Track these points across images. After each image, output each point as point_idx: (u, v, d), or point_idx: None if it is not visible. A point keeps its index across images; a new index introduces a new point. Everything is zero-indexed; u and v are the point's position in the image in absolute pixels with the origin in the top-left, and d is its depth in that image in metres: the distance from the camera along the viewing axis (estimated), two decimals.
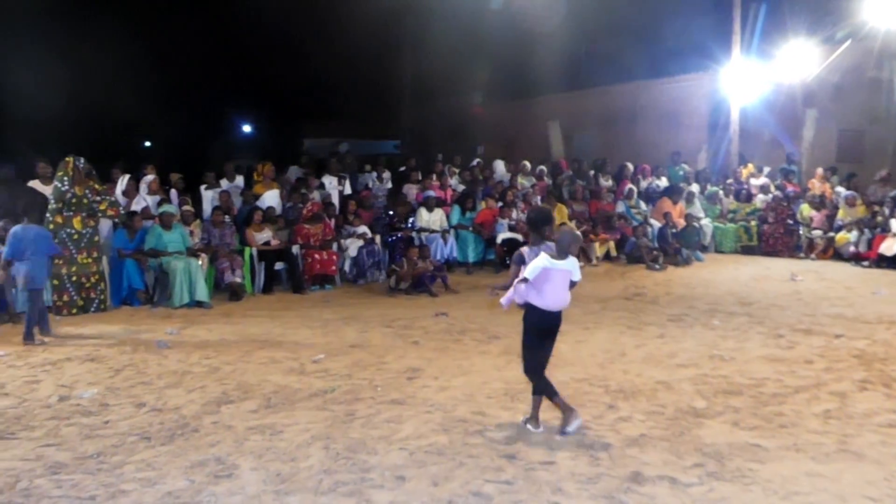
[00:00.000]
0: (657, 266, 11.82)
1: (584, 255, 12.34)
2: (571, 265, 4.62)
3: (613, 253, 12.81)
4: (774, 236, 13.33)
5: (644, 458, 4.14)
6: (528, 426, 4.57)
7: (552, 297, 4.58)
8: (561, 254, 4.59)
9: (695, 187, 14.72)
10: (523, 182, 14.02)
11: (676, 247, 12.42)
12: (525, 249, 4.73)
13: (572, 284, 4.64)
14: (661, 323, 7.80)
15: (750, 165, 15.56)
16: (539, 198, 13.16)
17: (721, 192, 14.48)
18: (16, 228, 7.28)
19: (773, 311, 8.42)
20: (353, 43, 21.80)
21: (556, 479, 3.85)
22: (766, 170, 15.09)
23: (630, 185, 14.17)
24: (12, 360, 6.40)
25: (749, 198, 14.26)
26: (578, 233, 5.27)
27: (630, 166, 14.95)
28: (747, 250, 13.54)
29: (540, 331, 4.70)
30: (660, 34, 18.52)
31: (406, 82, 24.14)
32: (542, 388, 4.62)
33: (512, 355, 6.35)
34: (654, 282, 10.70)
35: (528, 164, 14.57)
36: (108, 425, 4.68)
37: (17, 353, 6.65)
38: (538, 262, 4.52)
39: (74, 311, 8.49)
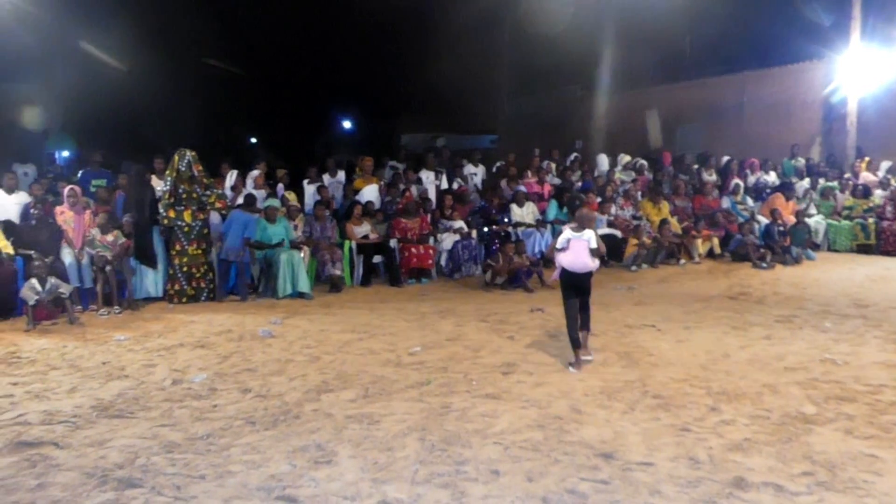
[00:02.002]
0: (764, 264, 11.32)
1: (686, 252, 11.99)
2: (589, 236, 5.96)
3: (717, 250, 12.37)
4: (894, 234, 12.49)
5: (748, 463, 3.98)
6: (570, 368, 5.81)
7: (574, 260, 5.95)
8: (580, 228, 6.00)
9: (806, 182, 13.99)
10: (622, 177, 13.72)
11: (785, 245, 11.86)
12: (565, 227, 6.23)
13: (593, 252, 5.92)
14: (767, 324, 7.46)
15: (867, 159, 14.64)
16: (640, 193, 12.85)
17: (837, 188, 13.70)
18: None
19: (892, 313, 7.89)
20: (452, 37, 21.93)
21: (654, 480, 3.76)
22: (887, 164, 14.15)
23: (736, 181, 13.63)
24: (131, 344, 6.82)
25: (866, 194, 13.42)
26: (594, 213, 7.43)
27: (736, 161, 14.37)
28: (863, 249, 12.75)
29: (567, 286, 6.05)
30: (769, 20, 17.65)
31: (504, 76, 24.06)
32: (571, 337, 5.92)
33: (609, 352, 6.25)
34: (760, 281, 10.25)
35: (627, 158, 14.23)
36: (216, 409, 4.91)
37: (136, 338, 7.08)
38: (564, 235, 6.06)
39: (185, 299, 8.94)
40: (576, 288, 5.99)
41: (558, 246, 6.08)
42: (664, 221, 11.89)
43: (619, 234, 11.73)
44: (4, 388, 5.44)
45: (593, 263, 5.95)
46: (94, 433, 4.45)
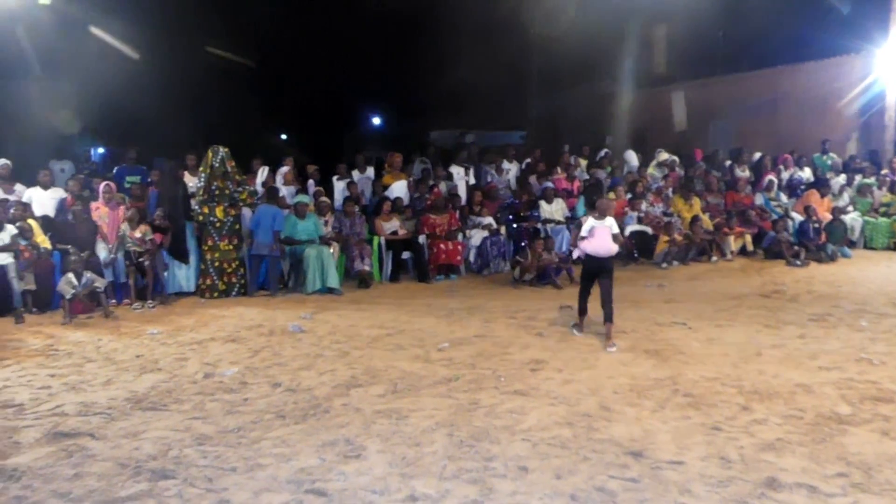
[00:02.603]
0: (798, 262, 11.13)
1: (717, 249, 11.84)
2: (610, 223, 6.64)
3: (750, 247, 12.18)
4: None
5: (780, 463, 3.92)
6: (573, 330, 6.95)
7: (598, 245, 6.61)
8: (602, 216, 6.66)
9: (842, 178, 13.72)
10: (654, 173, 13.58)
11: (821, 242, 11.64)
12: (585, 218, 7.04)
13: (615, 237, 6.61)
14: (801, 322, 7.34)
15: None
16: (671, 189, 12.71)
17: (874, 184, 13.41)
18: None
19: None
20: (481, 33, 21.84)
21: (684, 479, 3.72)
22: None
23: (770, 177, 13.41)
24: (164, 338, 6.93)
25: None
26: (613, 202, 7.95)
27: (769, 157, 14.13)
28: None
29: (588, 271, 6.78)
30: (805, 14, 17.32)
31: (533, 72, 23.93)
32: (580, 307, 6.91)
33: (639, 351, 6.20)
34: (794, 278, 10.08)
35: (665, 154, 14.07)
36: (247, 402, 4.97)
37: (169, 332, 7.19)
38: (588, 223, 6.71)
39: (216, 294, 9.05)
40: (598, 271, 6.67)
41: (583, 234, 6.71)
42: (696, 218, 11.74)
43: (649, 230, 11.62)
44: (43, 379, 5.56)
45: (615, 247, 6.71)
46: (128, 425, 4.53)
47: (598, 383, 5.31)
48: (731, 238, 12.00)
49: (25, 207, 8.78)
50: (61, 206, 9.26)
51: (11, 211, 8.34)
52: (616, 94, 22.73)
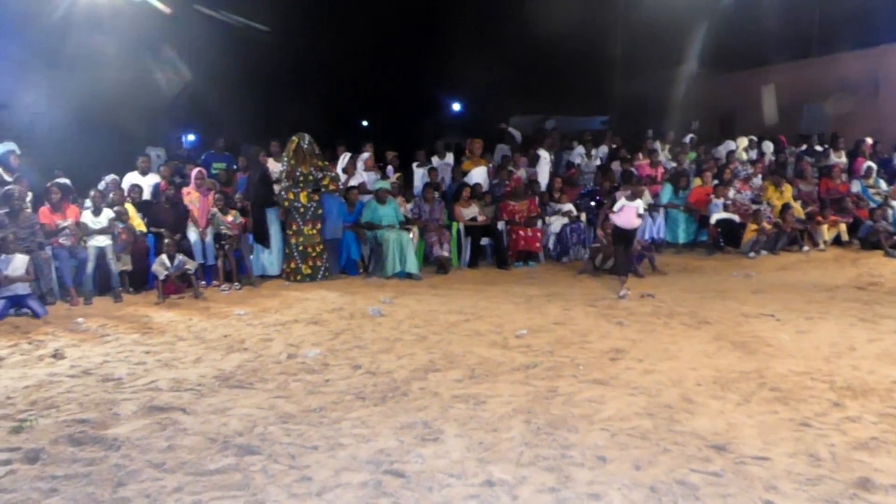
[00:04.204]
0: None
1: (809, 239, 11.35)
2: (638, 203, 9.24)
3: (845, 237, 11.63)
4: None
5: (875, 463, 3.74)
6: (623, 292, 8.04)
7: (625, 220, 9.18)
8: (633, 197, 9.25)
9: None
10: (743, 158, 13.10)
11: None
12: (619, 195, 9.45)
13: (640, 216, 9.31)
14: None
15: None
16: (760, 176, 12.24)
17: None
18: None
19: None
20: (561, 15, 21.50)
21: (769, 476, 3.60)
22: None
23: (868, 163, 12.72)
24: (250, 319, 7.17)
25: None
26: (644, 188, 10.23)
27: (869, 141, 13.40)
28: None
29: (617, 238, 9.20)
30: None
31: (616, 55, 23.40)
32: (620, 273, 8.97)
33: (724, 342, 6.03)
34: (892, 270, 9.56)
35: (746, 140, 13.57)
36: (328, 383, 5.10)
37: (254, 313, 7.43)
38: (620, 202, 9.22)
39: (299, 277, 9.28)
40: (624, 240, 9.15)
41: (615, 209, 9.22)
42: (787, 206, 11.28)
43: (736, 218, 11.22)
44: (139, 356, 5.86)
45: (637, 222, 9.33)
46: (216, 401, 4.72)
47: (680, 374, 5.19)
48: (825, 227, 11.48)
49: (125, 192, 9.22)
50: (156, 191, 9.68)
51: (110, 195, 8.77)
52: (703, 77, 22.00)
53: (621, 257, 9.15)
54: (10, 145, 9.49)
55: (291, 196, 9.34)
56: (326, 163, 9.97)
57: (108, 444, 4.01)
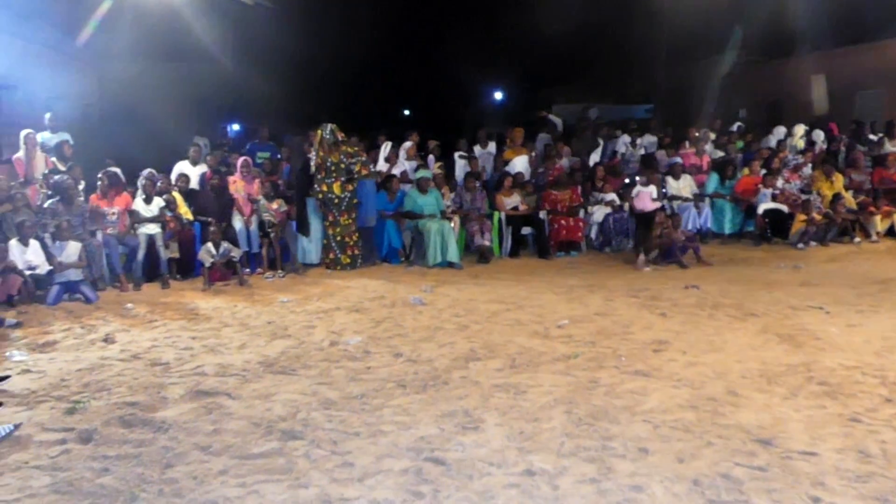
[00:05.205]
0: None
1: (861, 230, 11.04)
2: (650, 189, 10.59)
3: None
4: None
5: None
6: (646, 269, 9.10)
7: (642, 204, 10.53)
8: (647, 183, 10.66)
9: None
10: (795, 146, 12.78)
11: None
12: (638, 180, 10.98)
13: (653, 200, 10.52)
14: None
15: None
16: (810, 165, 11.92)
17: None
18: None
19: None
20: (605, 2, 21.21)
21: (817, 471, 3.52)
22: None
23: None
24: (293, 306, 7.27)
25: None
26: (656, 176, 11.07)
27: None
28: None
29: (638, 220, 10.42)
30: None
31: (661, 42, 22.98)
32: (643, 249, 9.50)
33: (771, 334, 5.91)
34: None
35: (802, 127, 13.22)
36: (369, 371, 5.14)
37: (297, 300, 7.53)
38: (637, 188, 10.72)
39: (338, 267, 9.35)
40: (644, 222, 10.10)
41: (633, 194, 10.71)
42: (837, 196, 10.97)
43: (784, 208, 10.96)
44: (186, 341, 5.99)
45: (653, 206, 10.38)
46: (260, 386, 4.80)
47: (725, 367, 5.11)
48: (878, 218, 11.14)
49: (172, 181, 9.40)
50: (202, 181, 9.86)
51: (158, 184, 8.96)
52: (751, 64, 21.47)
53: (642, 236, 9.95)
54: (63, 135, 9.77)
55: (325, 188, 9.36)
56: (355, 148, 9.92)
57: (156, 427, 4.12)
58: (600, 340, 5.83)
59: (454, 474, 3.52)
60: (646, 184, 10.68)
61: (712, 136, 13.32)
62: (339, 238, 9.41)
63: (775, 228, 10.94)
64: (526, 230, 10.56)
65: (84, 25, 14.35)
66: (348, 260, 9.41)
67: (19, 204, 8.03)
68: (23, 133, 9.08)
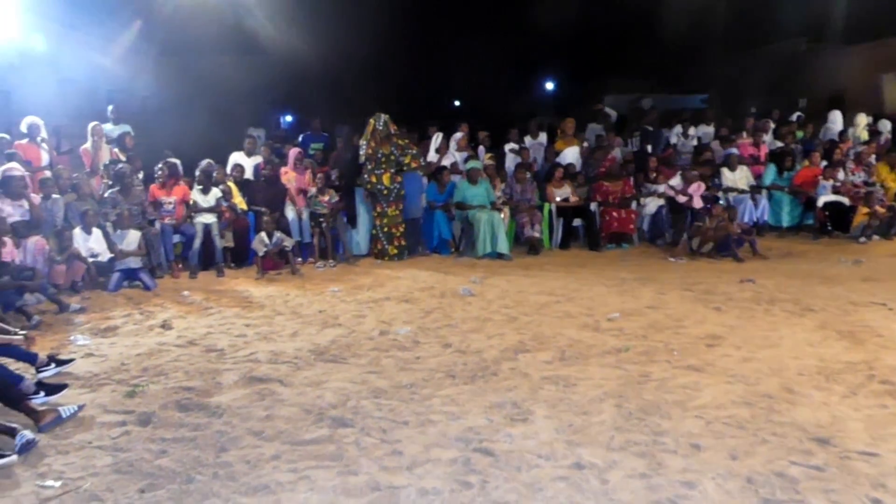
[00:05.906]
0: None
1: None
2: (675, 181, 10.41)
3: None
4: None
5: None
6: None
7: (686, 197, 10.29)
8: (683, 178, 10.48)
9: None
10: (859, 137, 12.36)
11: None
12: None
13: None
14: None
15: None
16: (874, 157, 11.51)
17: None
18: None
19: None
20: None
21: (878, 472, 3.41)
22: None
23: None
24: (344, 295, 7.36)
25: None
26: (696, 172, 10.57)
27: None
28: None
29: (674, 210, 10.23)
30: None
31: (718, 30, 22.43)
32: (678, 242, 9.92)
33: (830, 331, 5.74)
34: None
35: (865, 117, 12.77)
36: (419, 360, 5.18)
37: (348, 290, 7.62)
38: (674, 179, 10.45)
39: (386, 258, 9.42)
40: (679, 211, 10.12)
41: (671, 183, 10.58)
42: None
43: (846, 201, 10.62)
44: (240, 328, 6.12)
45: (681, 199, 10.24)
46: (312, 374, 4.88)
47: (781, 363, 4.98)
48: None
49: (227, 171, 9.60)
50: (256, 171, 10.03)
51: (214, 174, 9.15)
52: (812, 52, 20.78)
53: (679, 227, 10.13)
54: (125, 127, 10.07)
55: (374, 179, 9.44)
56: (406, 140, 9.97)
57: (211, 411, 4.22)
58: (652, 334, 5.74)
59: (502, 465, 3.52)
60: (683, 178, 10.43)
61: (772, 125, 12.98)
62: (386, 229, 9.48)
63: (836, 222, 10.60)
64: (576, 222, 10.47)
65: (143, 20, 14.72)
66: (395, 251, 9.47)
67: (83, 193, 8.31)
68: (90, 125, 9.38)
